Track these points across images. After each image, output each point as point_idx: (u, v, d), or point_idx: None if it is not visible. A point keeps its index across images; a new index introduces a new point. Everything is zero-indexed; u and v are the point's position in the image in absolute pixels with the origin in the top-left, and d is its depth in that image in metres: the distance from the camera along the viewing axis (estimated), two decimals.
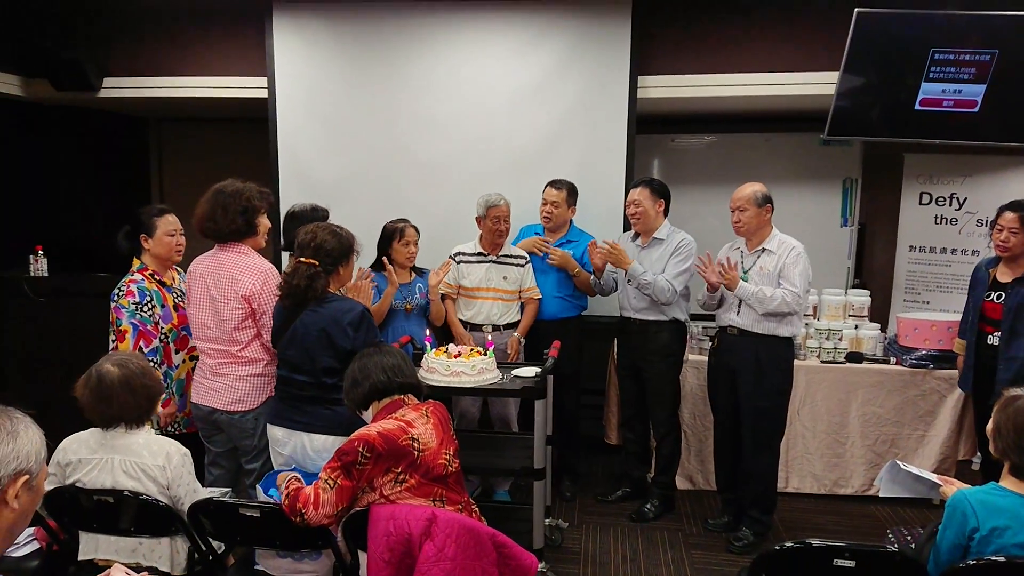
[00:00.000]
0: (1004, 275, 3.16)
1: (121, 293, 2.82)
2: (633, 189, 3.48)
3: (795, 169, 4.69)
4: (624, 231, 3.90)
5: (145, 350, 2.77)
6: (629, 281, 3.46)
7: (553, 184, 3.65)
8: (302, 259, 2.41)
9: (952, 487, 2.06)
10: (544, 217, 3.65)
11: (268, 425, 2.50)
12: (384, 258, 3.34)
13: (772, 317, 3.10)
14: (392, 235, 3.41)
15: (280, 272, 2.59)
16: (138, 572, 1.47)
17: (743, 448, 3.25)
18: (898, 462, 2.27)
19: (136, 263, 2.94)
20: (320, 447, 2.41)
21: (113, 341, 2.79)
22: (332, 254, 2.44)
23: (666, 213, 3.49)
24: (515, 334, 3.57)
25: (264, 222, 2.66)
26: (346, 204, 3.94)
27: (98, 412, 2.11)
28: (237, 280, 2.54)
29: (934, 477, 2.15)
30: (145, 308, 2.81)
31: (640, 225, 3.47)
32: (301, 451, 2.43)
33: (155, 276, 2.87)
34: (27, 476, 1.23)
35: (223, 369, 2.61)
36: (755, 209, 3.14)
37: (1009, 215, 3.10)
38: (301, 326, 2.40)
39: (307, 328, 2.39)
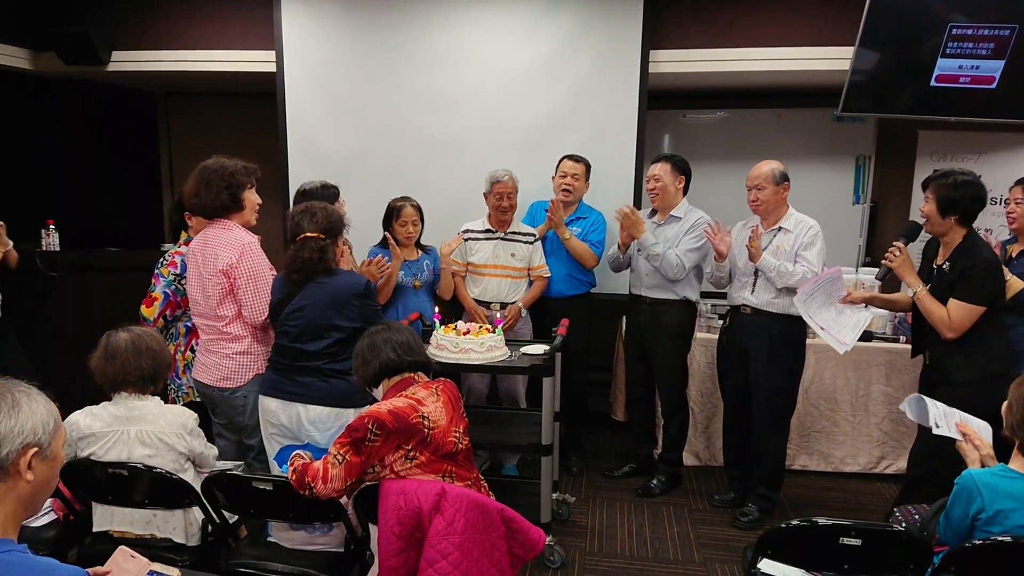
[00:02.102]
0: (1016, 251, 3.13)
1: (165, 262, 2.98)
2: (654, 164, 3.46)
3: (808, 145, 4.64)
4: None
5: (169, 318, 2.93)
6: (639, 251, 3.44)
7: (571, 157, 3.64)
8: (308, 234, 2.44)
9: (970, 446, 2.04)
10: (564, 190, 3.62)
11: (263, 397, 2.52)
12: (387, 234, 3.36)
13: (787, 295, 3.08)
14: (391, 214, 3.42)
15: (256, 244, 2.61)
16: (151, 547, 1.50)
17: (752, 427, 3.26)
18: (924, 398, 2.27)
19: (184, 235, 3.08)
20: (316, 418, 2.45)
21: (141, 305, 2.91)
22: (336, 228, 2.51)
23: (686, 191, 3.47)
24: (519, 303, 3.55)
25: (252, 197, 2.66)
26: (355, 181, 3.95)
27: (103, 372, 2.17)
28: (218, 255, 2.56)
29: (956, 433, 2.11)
30: (183, 281, 2.89)
31: (658, 201, 3.44)
32: (296, 422, 2.46)
33: None
34: (36, 448, 1.24)
35: (213, 346, 2.65)
36: (773, 187, 3.11)
37: (1017, 189, 3.08)
38: (307, 297, 2.43)
39: (313, 299, 2.42)
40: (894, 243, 2.76)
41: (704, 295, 3.66)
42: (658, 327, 3.48)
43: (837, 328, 2.90)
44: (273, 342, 2.56)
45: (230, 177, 2.57)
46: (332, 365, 2.45)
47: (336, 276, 2.47)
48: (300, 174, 3.98)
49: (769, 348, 3.14)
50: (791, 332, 3.15)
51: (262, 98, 4.52)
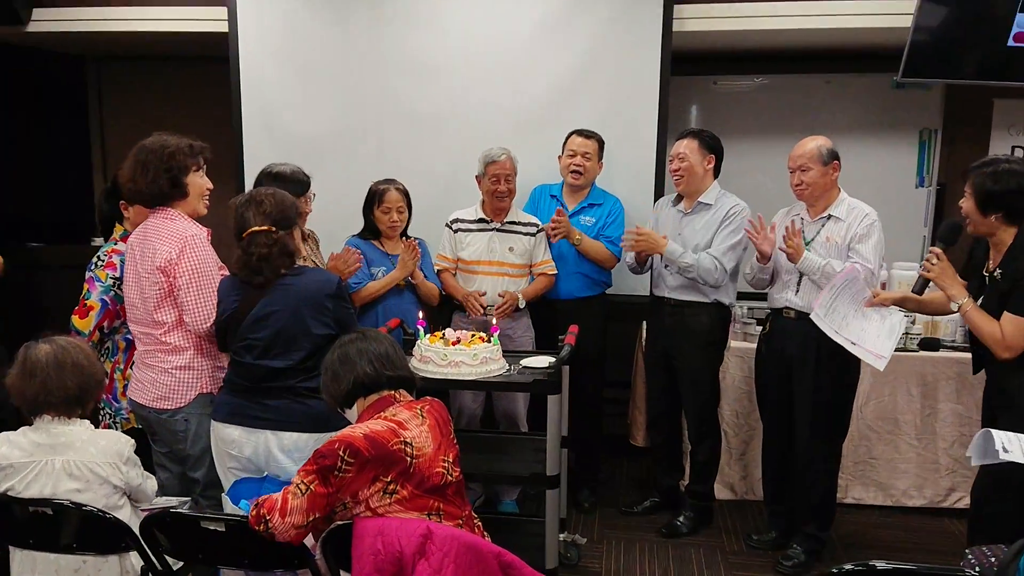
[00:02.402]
0: None
1: (101, 263, 2.94)
2: (678, 141, 3.46)
3: (862, 118, 4.64)
4: (656, 196, 3.89)
5: (106, 329, 2.91)
6: (667, 266, 3.45)
7: (581, 133, 3.65)
8: (256, 229, 2.44)
9: None
10: (574, 172, 3.63)
11: (219, 425, 2.51)
12: (408, 237, 3.41)
13: None
14: (372, 199, 3.43)
15: (202, 237, 2.61)
16: None
17: (797, 452, 3.27)
18: (991, 431, 2.21)
19: (119, 230, 3.04)
20: (291, 446, 2.44)
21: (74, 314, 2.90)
22: (289, 218, 2.51)
23: (716, 173, 3.48)
24: (518, 293, 3.54)
25: (198, 182, 2.66)
26: (324, 163, 3.94)
27: (21, 392, 2.16)
28: (156, 249, 2.56)
29: None
30: (123, 284, 2.87)
31: (684, 185, 3.45)
32: (265, 452, 2.45)
33: None
34: None
35: (149, 359, 2.64)
36: (820, 168, 3.12)
37: None
38: (272, 303, 2.42)
39: (281, 304, 2.42)
40: (930, 249, 2.74)
41: (740, 296, 3.66)
42: (685, 334, 3.48)
43: (870, 339, 2.91)
44: (228, 359, 2.55)
45: (170, 158, 2.57)
46: (308, 383, 2.44)
47: (304, 275, 2.48)
48: (258, 155, 3.97)
49: (816, 358, 3.14)
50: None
51: (212, 64, 4.51)
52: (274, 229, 2.46)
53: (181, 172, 2.60)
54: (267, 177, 3.08)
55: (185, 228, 2.58)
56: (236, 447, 2.48)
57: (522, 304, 3.55)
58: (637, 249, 3.43)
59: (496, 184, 3.50)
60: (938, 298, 2.86)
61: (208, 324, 2.56)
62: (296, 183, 3.05)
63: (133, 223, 2.94)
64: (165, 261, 2.54)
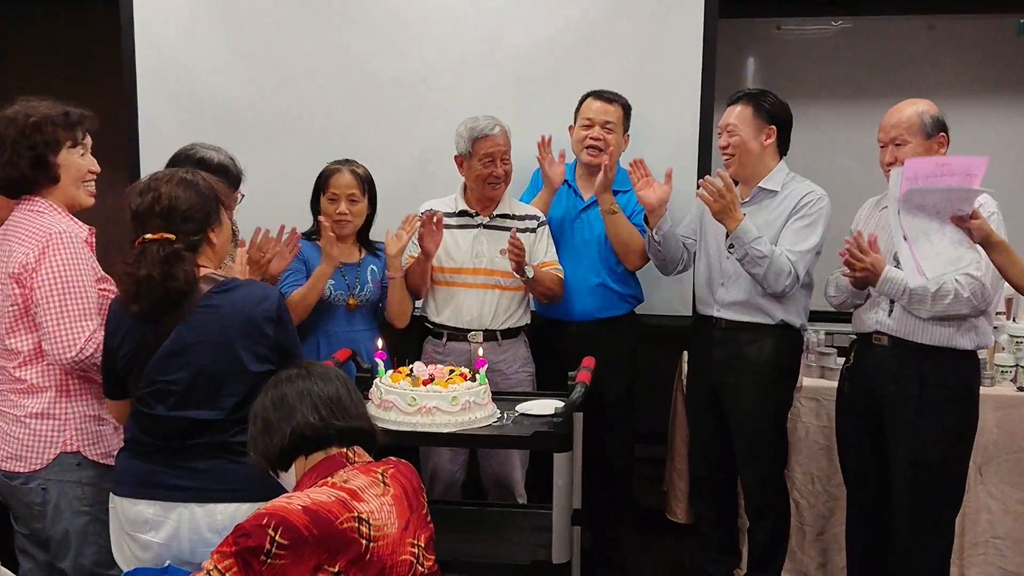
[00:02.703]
0: None
1: None
2: (729, 107, 3.49)
3: (978, 74, 4.69)
4: (701, 178, 3.89)
5: None
6: (731, 247, 3.42)
7: (600, 96, 3.68)
8: (148, 236, 2.41)
9: None
10: (590, 148, 3.66)
11: (123, 502, 2.48)
12: (321, 218, 3.39)
13: (946, 320, 3.10)
14: (319, 185, 3.46)
15: (74, 236, 2.60)
16: None
17: (893, 530, 3.26)
18: None
19: None
20: (227, 522, 2.39)
21: None
22: (193, 216, 2.45)
23: (782, 151, 3.51)
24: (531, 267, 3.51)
25: (75, 163, 2.66)
26: (253, 143, 3.96)
27: None
28: (12, 251, 2.58)
29: None
30: None
31: (736, 167, 3.47)
32: (189, 533, 2.44)
33: None
34: None
35: (1, 403, 2.66)
36: (921, 141, 3.13)
37: None
38: (189, 334, 2.40)
39: (201, 335, 2.40)
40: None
41: (815, 316, 3.67)
42: (742, 368, 3.49)
43: (923, 249, 2.95)
44: (115, 407, 2.53)
45: (34, 130, 2.57)
46: (244, 436, 2.37)
47: (234, 291, 2.45)
48: (160, 125, 3.98)
49: (919, 400, 3.14)
50: (954, 376, 3.15)
51: (94, 3, 4.52)
52: (172, 237, 2.42)
53: (48, 149, 2.60)
54: (186, 162, 3.08)
55: (52, 224, 2.58)
56: (149, 530, 2.45)
57: (530, 273, 3.50)
58: (714, 207, 3.30)
59: (490, 166, 3.52)
60: None
61: (73, 353, 2.54)
62: (224, 175, 3.04)
63: None
64: (20, 267, 2.54)
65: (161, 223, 2.41)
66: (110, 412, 2.60)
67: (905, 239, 2.97)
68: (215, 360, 2.40)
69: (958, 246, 2.94)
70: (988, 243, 2.88)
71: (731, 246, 3.41)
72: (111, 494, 2.51)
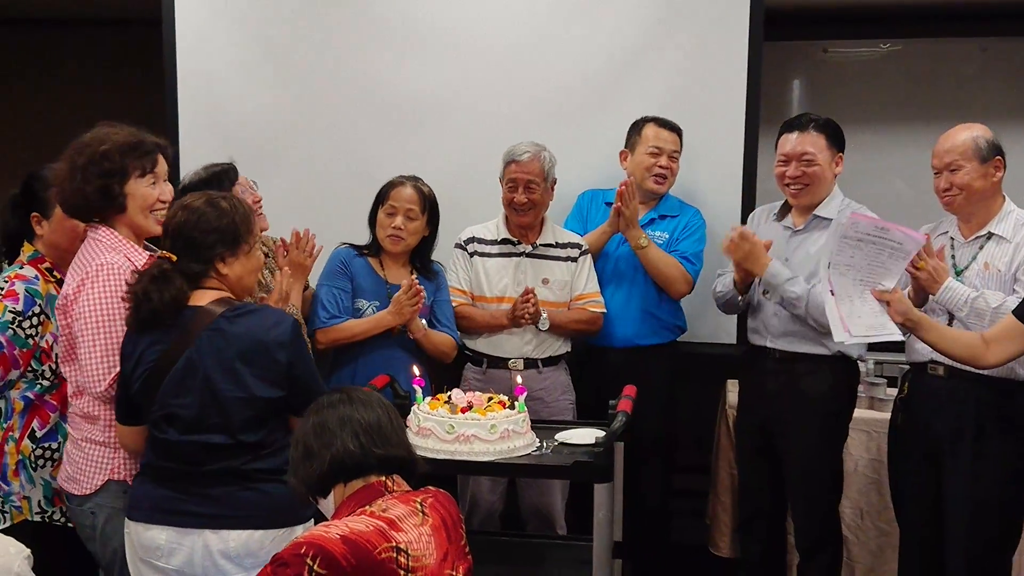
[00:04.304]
0: None
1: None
2: (797, 135, 3.43)
3: None
4: (745, 204, 3.90)
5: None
6: (765, 293, 3.44)
7: (666, 125, 3.71)
8: (159, 253, 2.47)
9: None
10: (658, 176, 3.69)
11: (137, 527, 2.49)
12: (413, 278, 3.40)
13: None
14: (378, 199, 3.48)
15: (118, 268, 2.60)
16: None
17: (949, 566, 3.21)
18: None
19: (28, 250, 3.07)
20: (239, 550, 2.42)
21: None
22: (197, 241, 2.47)
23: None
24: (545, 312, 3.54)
25: (143, 192, 2.67)
26: (286, 160, 4.04)
27: None
28: (67, 282, 2.62)
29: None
30: (27, 322, 2.90)
31: (809, 196, 3.44)
32: (203, 560, 2.44)
33: (54, 273, 2.94)
34: None
35: (69, 423, 2.70)
36: (977, 167, 3.09)
37: None
38: (197, 357, 2.42)
39: (209, 359, 2.42)
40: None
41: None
42: (795, 400, 3.45)
43: (850, 309, 2.99)
44: (143, 439, 2.53)
45: (103, 159, 2.59)
46: (258, 463, 2.43)
47: (247, 316, 2.47)
48: (200, 147, 4.02)
49: (976, 434, 3.10)
50: (1015, 406, 3.10)
51: (138, 28, 4.59)
52: (172, 258, 2.45)
53: (116, 178, 2.61)
54: (184, 192, 3.12)
55: (96, 255, 2.60)
56: (163, 556, 2.46)
57: (544, 326, 3.54)
58: (734, 256, 3.38)
59: (512, 192, 3.54)
60: (963, 345, 2.92)
61: (101, 388, 2.55)
62: (216, 183, 3.09)
63: (47, 242, 3.00)
64: (63, 297, 2.58)
65: (170, 244, 2.48)
66: (121, 440, 2.59)
67: (832, 293, 2.99)
68: (223, 384, 2.41)
69: (879, 315, 2.97)
70: (910, 321, 2.94)
71: (765, 291, 3.44)
72: (126, 519, 2.52)
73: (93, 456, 2.62)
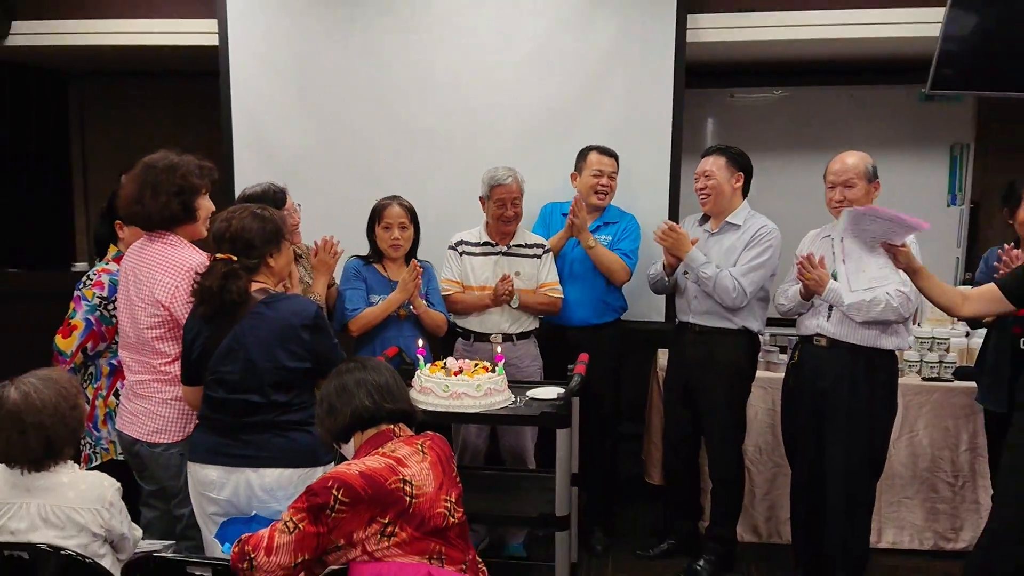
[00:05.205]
0: None
1: (89, 281, 3.00)
2: (705, 158, 3.50)
3: (889, 132, 4.66)
4: (671, 213, 3.91)
5: (90, 351, 2.96)
6: (686, 273, 3.47)
7: (602, 151, 3.70)
8: (218, 255, 2.45)
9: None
10: (599, 193, 3.69)
11: (195, 466, 2.50)
12: (415, 261, 3.41)
13: (875, 324, 3.08)
14: (373, 217, 3.46)
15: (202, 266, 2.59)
16: None
17: (828, 495, 3.23)
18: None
19: (112, 250, 3.11)
20: (273, 484, 2.43)
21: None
22: (254, 243, 2.47)
23: (745, 192, 3.50)
24: (517, 292, 3.54)
25: (206, 205, 2.68)
26: (316, 183, 4.02)
27: None
28: (155, 280, 2.57)
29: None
30: (111, 305, 2.92)
31: (711, 205, 3.47)
32: (246, 492, 2.45)
33: None
34: None
35: (144, 389, 2.65)
36: (864, 185, 3.13)
37: None
38: (241, 334, 2.42)
39: (249, 336, 2.42)
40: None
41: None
42: (710, 364, 3.48)
43: (853, 270, 2.96)
44: (200, 397, 2.52)
45: (183, 180, 2.58)
46: (288, 416, 2.45)
47: (278, 303, 2.47)
48: (248, 173, 4.00)
49: (850, 393, 3.13)
50: (880, 372, 3.14)
51: (200, 79, 4.56)
52: (234, 259, 2.44)
53: (192, 194, 2.61)
54: (240, 203, 3.10)
55: (188, 258, 2.58)
56: (215, 489, 2.47)
57: (515, 303, 3.53)
58: (664, 243, 3.41)
59: (502, 209, 3.52)
60: (948, 296, 2.86)
61: None
62: (269, 200, 3.06)
63: (126, 243, 2.98)
64: (164, 294, 2.55)
65: (229, 246, 2.45)
66: (184, 397, 2.58)
67: (843, 261, 2.98)
68: (259, 356, 2.41)
69: (883, 268, 2.95)
70: (911, 269, 2.87)
71: (685, 272, 3.46)
72: (188, 461, 2.53)
73: (184, 410, 2.61)
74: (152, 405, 2.63)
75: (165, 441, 2.63)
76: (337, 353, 2.52)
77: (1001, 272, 2.94)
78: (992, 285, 2.75)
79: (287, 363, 2.42)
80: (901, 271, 2.89)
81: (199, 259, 2.58)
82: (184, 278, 2.53)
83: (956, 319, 3.53)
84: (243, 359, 2.41)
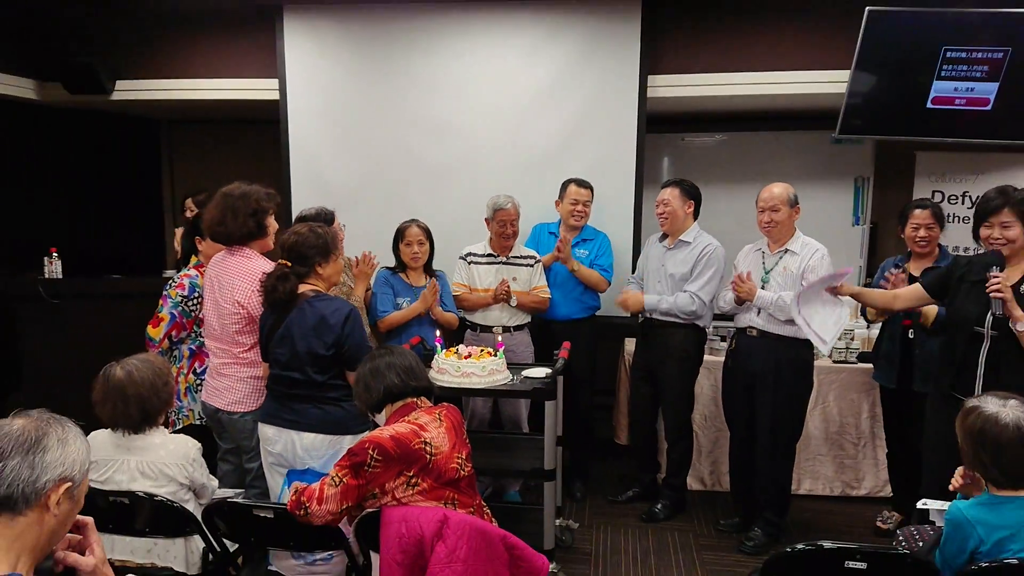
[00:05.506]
0: (915, 270, 3.18)
1: (173, 284, 3.07)
2: (663, 189, 3.49)
3: (806, 167, 4.67)
4: (636, 233, 3.92)
5: (174, 339, 3.03)
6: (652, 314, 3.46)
7: (579, 183, 3.68)
8: (280, 261, 2.49)
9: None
10: (576, 216, 3.67)
11: (261, 424, 2.52)
12: (433, 272, 3.44)
13: (793, 321, 3.06)
14: (397, 236, 3.45)
15: None
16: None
17: (757, 451, 3.24)
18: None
19: (194, 259, 3.20)
20: (309, 445, 2.44)
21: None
22: (306, 253, 2.48)
23: (696, 215, 3.49)
24: (514, 297, 3.51)
25: (273, 223, 2.70)
26: (357, 207, 4.02)
27: (100, 410, 2.16)
28: (235, 286, 2.58)
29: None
30: (191, 302, 3.02)
31: (668, 226, 3.47)
32: (291, 449, 2.46)
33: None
34: (69, 484, 1.26)
35: (225, 369, 2.66)
36: (787, 209, 3.13)
37: (925, 213, 3.16)
38: (290, 324, 2.43)
39: (295, 326, 2.43)
40: (994, 274, 2.37)
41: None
42: (666, 351, 3.48)
43: (817, 322, 2.88)
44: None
45: (256, 204, 2.60)
46: (325, 392, 2.45)
47: (320, 302, 2.46)
48: (303, 200, 4.01)
49: (776, 373, 3.13)
50: (798, 356, 3.14)
51: (265, 125, 4.57)
52: (289, 265, 2.46)
53: (263, 215, 2.63)
54: (298, 222, 3.10)
55: (260, 267, 2.59)
56: (271, 444, 2.49)
57: (513, 302, 3.51)
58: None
59: (504, 228, 3.52)
60: (883, 298, 2.86)
61: None
62: (320, 219, 3.04)
63: (205, 255, 3.04)
64: (243, 297, 2.57)
65: (287, 255, 2.48)
66: (263, 370, 2.60)
67: (808, 324, 2.85)
68: (300, 342, 2.41)
69: (834, 307, 2.87)
70: (853, 293, 2.87)
71: (651, 313, 3.46)
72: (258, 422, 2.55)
73: (256, 386, 2.63)
74: (231, 382, 2.65)
75: (241, 411, 2.64)
76: (362, 348, 2.47)
77: (886, 286, 2.94)
78: (917, 285, 2.76)
79: (319, 351, 2.42)
80: (846, 298, 2.86)
81: (268, 268, 2.59)
82: (257, 284, 2.54)
83: (868, 318, 3.47)
84: (289, 344, 2.42)
